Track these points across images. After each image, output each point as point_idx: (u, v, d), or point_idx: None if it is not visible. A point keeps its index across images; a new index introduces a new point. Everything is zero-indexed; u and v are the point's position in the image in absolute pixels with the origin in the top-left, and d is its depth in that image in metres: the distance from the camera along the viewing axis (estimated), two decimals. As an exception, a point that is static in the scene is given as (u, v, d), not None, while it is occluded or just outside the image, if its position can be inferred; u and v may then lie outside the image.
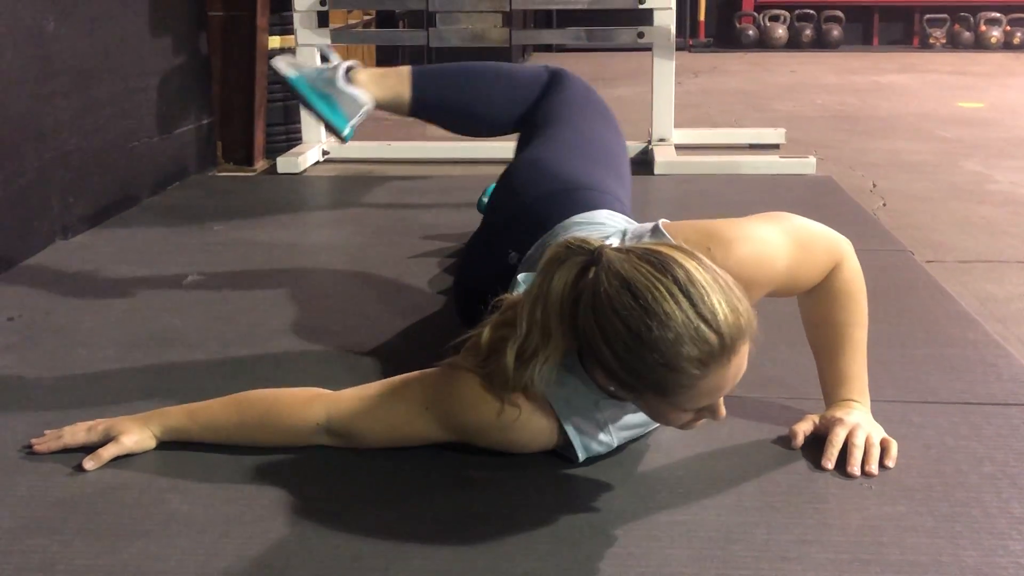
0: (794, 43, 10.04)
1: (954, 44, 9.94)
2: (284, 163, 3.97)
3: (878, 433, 1.58)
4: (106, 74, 3.18)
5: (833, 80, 7.36)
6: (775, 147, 4.49)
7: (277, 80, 4.22)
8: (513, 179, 1.97)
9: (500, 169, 2.09)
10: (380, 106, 2.21)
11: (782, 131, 4.61)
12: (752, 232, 1.52)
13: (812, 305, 1.64)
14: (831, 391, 1.64)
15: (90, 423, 1.61)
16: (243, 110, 4.09)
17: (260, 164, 4.13)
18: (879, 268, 2.55)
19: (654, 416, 1.42)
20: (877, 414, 1.70)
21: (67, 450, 1.59)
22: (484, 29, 4.11)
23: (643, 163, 4.07)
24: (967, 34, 9.89)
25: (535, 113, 2.16)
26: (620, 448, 1.58)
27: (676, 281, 1.28)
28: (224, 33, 4.01)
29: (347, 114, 2.14)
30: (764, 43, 10.07)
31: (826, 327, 1.62)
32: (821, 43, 10.04)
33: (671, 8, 4.00)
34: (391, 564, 1.31)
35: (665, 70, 4.09)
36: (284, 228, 3.07)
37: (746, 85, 7.14)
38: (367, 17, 5.93)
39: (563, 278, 1.35)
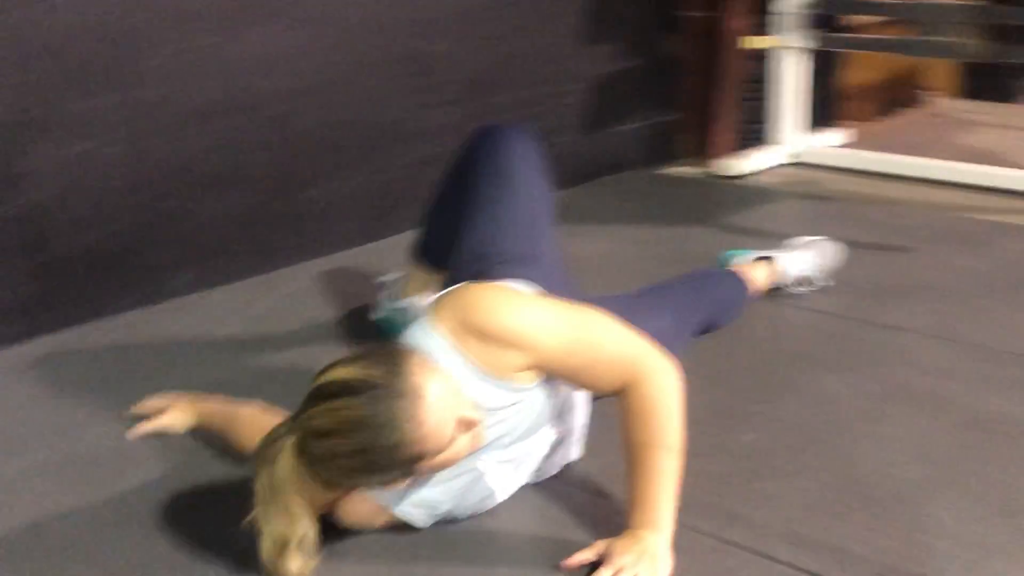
0: None
1: None
2: (727, 165, 3.98)
3: (653, 572, 1.51)
4: (506, 82, 3.50)
5: None
6: None
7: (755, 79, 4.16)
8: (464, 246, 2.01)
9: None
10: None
11: None
12: (526, 311, 1.61)
13: (621, 423, 1.63)
14: (628, 515, 1.60)
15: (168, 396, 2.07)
16: (706, 108, 4.10)
17: (722, 164, 4.01)
18: None
19: (442, 463, 1.52)
20: None
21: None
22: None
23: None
24: None
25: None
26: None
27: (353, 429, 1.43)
28: (698, 35, 4.09)
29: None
30: None
31: (626, 447, 1.61)
32: None
33: None
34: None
35: None
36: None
37: None
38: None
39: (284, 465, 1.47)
